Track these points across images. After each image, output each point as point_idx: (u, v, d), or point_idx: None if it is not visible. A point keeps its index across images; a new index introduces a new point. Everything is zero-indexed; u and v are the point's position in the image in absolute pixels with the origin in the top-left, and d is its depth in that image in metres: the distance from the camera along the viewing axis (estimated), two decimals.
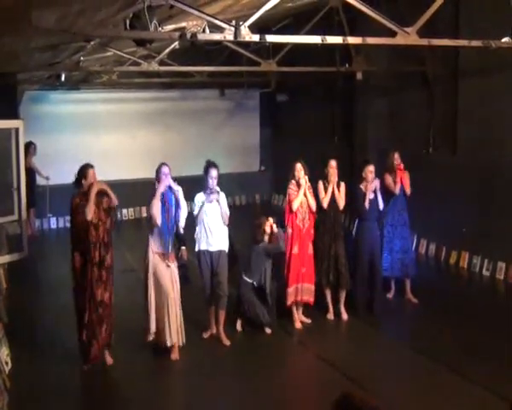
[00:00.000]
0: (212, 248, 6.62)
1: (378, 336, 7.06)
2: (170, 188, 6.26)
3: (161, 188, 6.18)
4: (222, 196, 6.59)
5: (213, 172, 6.54)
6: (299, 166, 7.16)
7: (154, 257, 6.21)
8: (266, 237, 7.00)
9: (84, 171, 6.11)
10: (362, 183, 7.52)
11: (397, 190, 7.89)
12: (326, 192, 7.27)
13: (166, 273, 6.22)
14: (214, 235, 6.60)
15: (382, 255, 7.83)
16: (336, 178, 7.32)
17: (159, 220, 6.15)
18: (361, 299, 7.52)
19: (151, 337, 6.29)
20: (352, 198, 7.57)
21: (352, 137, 12.09)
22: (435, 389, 5.65)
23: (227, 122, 15.06)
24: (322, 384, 5.89)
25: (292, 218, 7.10)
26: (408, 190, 7.93)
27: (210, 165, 6.58)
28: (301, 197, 7.06)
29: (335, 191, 7.30)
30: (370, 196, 7.44)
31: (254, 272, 6.94)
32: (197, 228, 6.67)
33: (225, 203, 6.65)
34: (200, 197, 6.62)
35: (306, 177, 7.10)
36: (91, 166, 6.13)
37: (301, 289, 7.13)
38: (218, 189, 6.58)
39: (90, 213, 5.91)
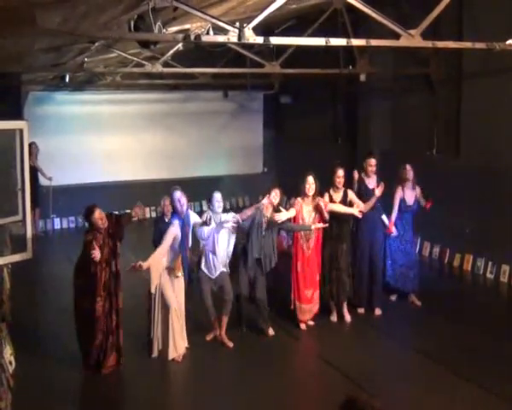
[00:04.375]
0: (214, 274, 6.62)
1: (381, 338, 7.05)
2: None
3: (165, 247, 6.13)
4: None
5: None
6: (311, 179, 6.87)
7: (163, 272, 6.28)
8: (270, 209, 6.72)
9: (88, 216, 5.93)
10: (363, 173, 7.61)
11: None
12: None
13: (170, 285, 6.30)
14: (218, 261, 6.57)
15: (386, 262, 7.85)
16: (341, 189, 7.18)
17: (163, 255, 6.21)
18: (362, 293, 7.56)
19: (155, 354, 6.39)
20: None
21: (356, 139, 12.09)
22: (437, 391, 5.64)
23: (230, 124, 15.05)
24: (325, 386, 5.90)
25: (296, 239, 7.00)
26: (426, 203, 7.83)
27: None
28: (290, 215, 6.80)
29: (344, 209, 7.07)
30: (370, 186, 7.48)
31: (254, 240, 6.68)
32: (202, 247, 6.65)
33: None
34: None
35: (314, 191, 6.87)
36: (95, 208, 5.92)
37: (305, 310, 7.13)
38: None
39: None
